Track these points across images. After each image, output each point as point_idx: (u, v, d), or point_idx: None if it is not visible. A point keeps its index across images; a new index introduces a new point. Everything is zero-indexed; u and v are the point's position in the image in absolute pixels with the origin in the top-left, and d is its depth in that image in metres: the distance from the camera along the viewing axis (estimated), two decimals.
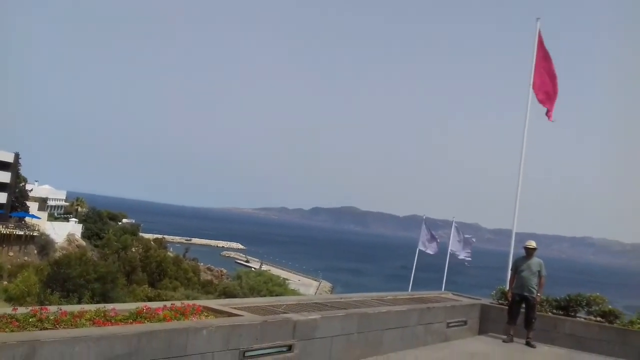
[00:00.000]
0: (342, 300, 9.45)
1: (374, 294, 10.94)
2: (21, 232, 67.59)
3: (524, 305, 10.54)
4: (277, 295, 31.51)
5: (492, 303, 11.96)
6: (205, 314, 6.68)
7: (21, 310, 5.29)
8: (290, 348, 6.91)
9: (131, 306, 6.25)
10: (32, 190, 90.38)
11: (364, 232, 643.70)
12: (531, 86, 14.24)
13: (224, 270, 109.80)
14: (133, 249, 78.08)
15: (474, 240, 22.56)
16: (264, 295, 30.02)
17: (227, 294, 31.29)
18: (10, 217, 72.70)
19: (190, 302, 6.84)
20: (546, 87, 14.48)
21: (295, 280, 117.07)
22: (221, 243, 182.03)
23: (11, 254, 65.26)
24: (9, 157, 74.46)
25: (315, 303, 8.72)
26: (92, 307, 5.94)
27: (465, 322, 11.15)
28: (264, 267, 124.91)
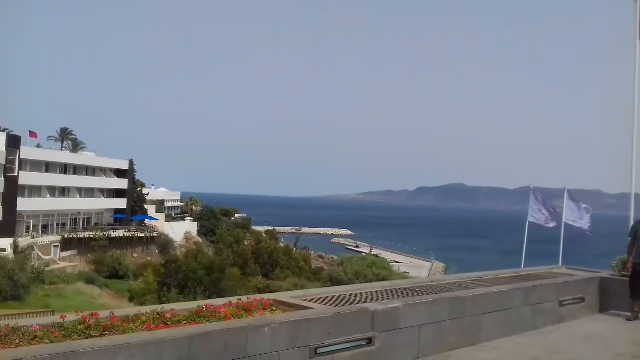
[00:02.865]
0: (434, 283, 8.57)
1: (473, 274, 9.93)
2: (142, 234, 72.17)
3: None
4: (382, 279, 30.84)
5: (612, 275, 10.49)
6: (274, 309, 6.14)
7: (70, 317, 5.02)
8: (370, 341, 6.20)
9: (192, 305, 5.84)
10: (148, 194, 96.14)
11: (473, 209, 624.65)
12: (638, 37, 12.28)
13: (335, 257, 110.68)
14: (245, 242, 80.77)
15: (589, 209, 20.40)
16: (370, 280, 29.48)
17: (332, 280, 31.16)
18: (132, 220, 77.92)
19: (259, 297, 6.33)
20: None
21: (407, 262, 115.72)
22: (330, 230, 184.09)
23: (135, 255, 69.88)
24: (124, 165, 79.62)
25: (402, 289, 7.92)
26: (150, 308, 5.59)
27: (582, 300, 9.82)
28: (374, 252, 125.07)
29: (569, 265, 12.29)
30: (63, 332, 4.73)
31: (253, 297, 6.31)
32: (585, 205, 21.46)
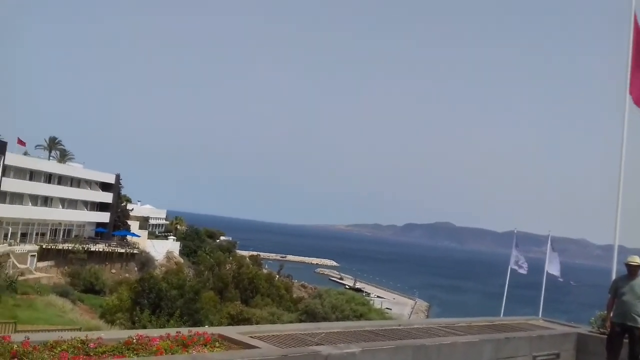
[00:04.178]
0: (400, 327, 8.03)
1: (444, 320, 9.41)
2: (123, 250, 70.89)
3: (627, 337, 8.52)
4: (359, 316, 30.15)
5: (591, 332, 9.98)
6: (217, 345, 5.58)
7: None
8: None
9: (123, 334, 5.28)
10: (132, 209, 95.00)
11: (460, 249, 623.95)
12: (628, 90, 11.95)
13: (318, 288, 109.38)
14: (227, 266, 79.55)
15: (556, 255, 20.18)
16: (347, 315, 28.77)
17: (308, 312, 30.35)
18: (113, 235, 76.69)
19: (201, 330, 5.77)
20: None
21: (390, 298, 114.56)
22: (315, 260, 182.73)
23: (114, 271, 68.50)
24: (110, 179, 78.76)
25: (365, 331, 7.37)
26: (74, 335, 5.02)
27: (557, 356, 9.28)
28: (358, 285, 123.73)
29: (549, 315, 11.80)
30: None
31: (195, 329, 5.76)
32: (555, 252, 21.12)
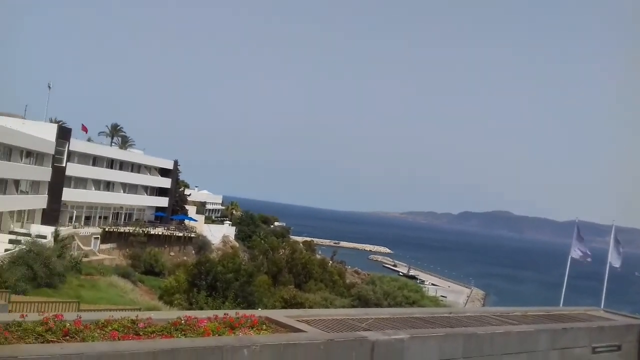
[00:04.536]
0: (452, 315, 7.82)
1: (499, 309, 9.11)
2: (181, 234, 72.92)
3: None
4: (412, 303, 29.88)
5: None
6: (264, 327, 5.58)
7: (32, 317, 4.59)
8: None
9: (172, 315, 5.35)
10: (190, 194, 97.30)
11: (518, 238, 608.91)
12: None
13: (371, 274, 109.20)
14: (281, 251, 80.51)
15: (621, 251, 19.20)
16: (399, 302, 28.57)
17: (360, 298, 30.33)
18: (172, 219, 78.93)
19: (249, 313, 5.78)
20: None
21: (445, 286, 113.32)
22: (368, 247, 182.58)
23: (172, 253, 70.58)
24: (169, 165, 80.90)
25: (414, 318, 7.23)
26: (124, 314, 5.12)
27: (618, 348, 8.85)
28: (412, 272, 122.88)
29: (611, 306, 11.28)
30: (19, 333, 4.31)
31: (242, 312, 5.77)
32: (621, 248, 20.18)
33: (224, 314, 5.60)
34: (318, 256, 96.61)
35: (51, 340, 4.28)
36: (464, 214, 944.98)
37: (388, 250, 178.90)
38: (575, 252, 20.65)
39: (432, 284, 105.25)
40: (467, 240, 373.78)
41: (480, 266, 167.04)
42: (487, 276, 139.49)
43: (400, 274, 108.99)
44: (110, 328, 4.79)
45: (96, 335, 4.51)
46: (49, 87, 59.82)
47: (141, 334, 4.80)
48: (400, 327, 6.43)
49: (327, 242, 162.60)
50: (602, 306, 11.50)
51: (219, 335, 5.02)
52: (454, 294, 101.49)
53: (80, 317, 4.73)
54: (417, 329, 6.44)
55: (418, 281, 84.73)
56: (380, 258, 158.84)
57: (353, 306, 28.70)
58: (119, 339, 4.51)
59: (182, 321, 5.14)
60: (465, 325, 7.19)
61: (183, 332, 4.96)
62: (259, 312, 6.08)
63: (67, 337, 4.40)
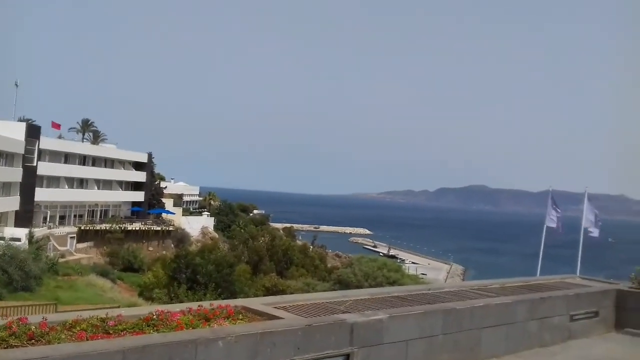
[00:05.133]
0: (430, 292, 7.80)
1: (476, 282, 9.17)
2: (159, 228, 72.19)
3: None
4: (392, 282, 30.06)
5: (631, 288, 9.60)
6: (240, 317, 5.46)
7: None
8: (347, 358, 5.49)
9: (144, 311, 5.20)
10: (166, 187, 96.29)
11: (496, 211, 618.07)
12: None
13: (352, 256, 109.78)
14: (261, 239, 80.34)
15: (599, 220, 19.50)
16: (380, 282, 28.71)
17: (341, 282, 30.40)
18: (149, 214, 78.04)
19: (224, 303, 5.66)
20: None
21: (425, 264, 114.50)
22: (348, 229, 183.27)
23: (151, 248, 69.86)
24: (143, 158, 79.75)
25: (392, 297, 7.19)
26: (92, 314, 4.95)
27: (596, 314, 8.97)
28: (392, 252, 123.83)
29: (587, 273, 11.43)
30: None
31: (217, 302, 5.65)
32: (598, 217, 20.48)
33: (198, 306, 5.46)
34: (298, 242, 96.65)
35: (15, 345, 4.10)
36: (441, 190, 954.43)
37: (368, 232, 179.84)
38: (551, 221, 20.92)
39: (412, 262, 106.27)
40: (445, 216, 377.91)
41: (459, 241, 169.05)
42: (465, 251, 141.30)
43: (381, 254, 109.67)
44: (78, 328, 4.63)
45: (63, 337, 4.35)
46: (16, 85, 58.39)
47: (111, 332, 4.65)
48: (379, 308, 6.38)
49: (307, 227, 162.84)
50: (577, 273, 11.65)
51: (193, 328, 4.90)
52: (434, 271, 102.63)
53: (46, 319, 4.55)
54: (396, 308, 6.39)
55: (398, 260, 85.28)
56: (360, 240, 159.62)
57: (334, 290, 28.78)
58: (87, 339, 4.35)
59: (154, 316, 4.99)
60: (443, 301, 7.18)
61: (155, 328, 4.82)
62: (235, 302, 5.97)
63: (33, 341, 4.23)
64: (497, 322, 7.20)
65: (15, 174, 53.32)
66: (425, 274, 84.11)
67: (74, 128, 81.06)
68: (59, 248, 55.89)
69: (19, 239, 43.82)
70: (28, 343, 4.18)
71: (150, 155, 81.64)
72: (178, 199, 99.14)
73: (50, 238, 54.99)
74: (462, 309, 6.79)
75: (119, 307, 25.66)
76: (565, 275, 10.93)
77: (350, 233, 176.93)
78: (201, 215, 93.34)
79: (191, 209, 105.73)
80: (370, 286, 26.97)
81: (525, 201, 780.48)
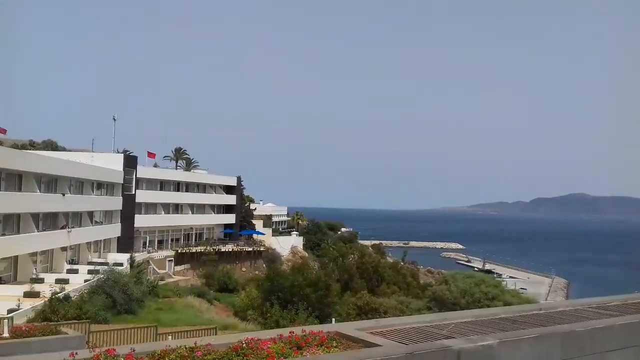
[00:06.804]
0: (542, 312, 7.04)
1: (593, 300, 8.22)
2: (250, 249, 73.76)
3: None
4: (492, 299, 28.58)
5: None
6: (334, 344, 5.07)
7: (83, 354, 4.26)
8: None
9: (233, 339, 4.92)
10: (255, 209, 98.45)
11: (597, 220, 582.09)
12: None
13: (445, 272, 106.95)
14: (350, 257, 79.98)
15: None
16: (478, 299, 27.35)
17: (436, 299, 29.25)
18: (240, 235, 79.98)
19: (316, 329, 5.29)
20: None
21: (524, 278, 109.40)
22: (439, 244, 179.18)
23: (244, 269, 71.45)
24: (232, 181, 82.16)
25: (499, 319, 6.52)
26: (181, 343, 4.73)
27: None
28: (488, 266, 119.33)
29: None
30: None
31: (309, 328, 5.28)
32: None
33: (289, 333, 5.13)
34: (388, 258, 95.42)
35: None
36: (537, 201, 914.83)
37: (460, 246, 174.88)
38: None
39: (510, 277, 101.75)
40: (542, 228, 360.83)
41: (559, 253, 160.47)
42: (567, 263, 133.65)
43: (476, 269, 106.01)
44: (168, 358, 4.42)
45: None
46: (114, 119, 62.07)
47: None
48: (486, 332, 5.76)
49: (395, 243, 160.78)
50: None
51: (285, 357, 4.56)
52: (535, 285, 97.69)
53: (133, 350, 4.38)
54: (506, 332, 5.74)
55: (495, 275, 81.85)
56: (452, 255, 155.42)
57: (429, 308, 27.72)
58: None
59: (244, 344, 4.71)
60: (559, 322, 6.42)
61: (245, 357, 4.52)
62: (328, 327, 5.58)
63: None
64: (623, 344, 6.32)
65: (116, 202, 56.41)
66: (525, 289, 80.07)
67: (168, 156, 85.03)
68: (159, 271, 58.29)
69: (121, 264, 46.02)
70: None
71: (239, 179, 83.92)
72: (267, 220, 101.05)
73: (150, 262, 57.50)
74: (581, 331, 6.00)
75: (215, 327, 26.12)
76: None
77: (441, 248, 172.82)
78: (290, 234, 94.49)
79: (280, 229, 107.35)
80: (468, 303, 25.78)
81: (630, 208, 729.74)
